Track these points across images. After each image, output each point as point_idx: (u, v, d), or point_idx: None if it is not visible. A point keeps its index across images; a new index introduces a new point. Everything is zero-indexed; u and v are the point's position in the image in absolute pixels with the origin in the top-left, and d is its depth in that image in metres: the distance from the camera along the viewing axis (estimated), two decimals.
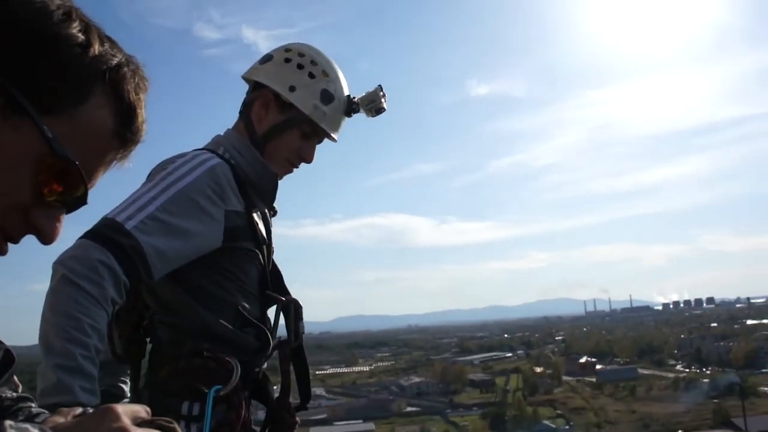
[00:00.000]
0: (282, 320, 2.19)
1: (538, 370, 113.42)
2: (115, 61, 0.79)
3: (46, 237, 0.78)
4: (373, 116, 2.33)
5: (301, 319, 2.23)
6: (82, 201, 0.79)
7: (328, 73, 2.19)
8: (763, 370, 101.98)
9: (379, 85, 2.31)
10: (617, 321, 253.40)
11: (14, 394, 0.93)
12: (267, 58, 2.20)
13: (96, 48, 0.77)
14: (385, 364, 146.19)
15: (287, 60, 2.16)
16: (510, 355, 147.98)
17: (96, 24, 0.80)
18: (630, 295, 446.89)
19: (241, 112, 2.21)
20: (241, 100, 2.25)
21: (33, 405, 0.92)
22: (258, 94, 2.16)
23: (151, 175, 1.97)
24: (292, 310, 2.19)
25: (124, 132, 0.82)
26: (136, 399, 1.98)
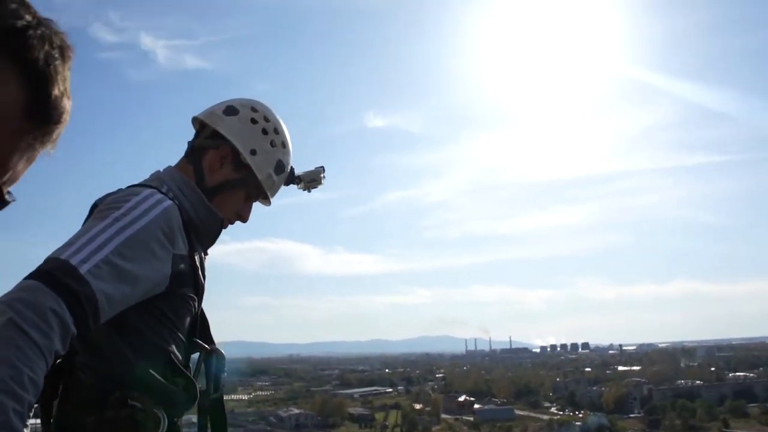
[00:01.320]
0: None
1: (418, 406, 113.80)
2: (19, 23, 0.67)
3: None
4: (307, 191, 2.53)
5: (223, 371, 2.16)
6: None
7: (286, 145, 2.24)
8: (631, 415, 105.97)
9: (322, 167, 2.51)
10: (496, 361, 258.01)
11: None
12: (231, 111, 2.17)
13: None
14: (265, 393, 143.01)
15: (253, 121, 2.16)
16: (390, 390, 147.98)
17: None
18: (510, 336, 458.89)
19: (188, 155, 2.17)
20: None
21: None
22: (215, 143, 2.13)
23: (98, 209, 1.85)
24: (214, 360, 2.13)
25: (37, 109, 0.70)
26: None
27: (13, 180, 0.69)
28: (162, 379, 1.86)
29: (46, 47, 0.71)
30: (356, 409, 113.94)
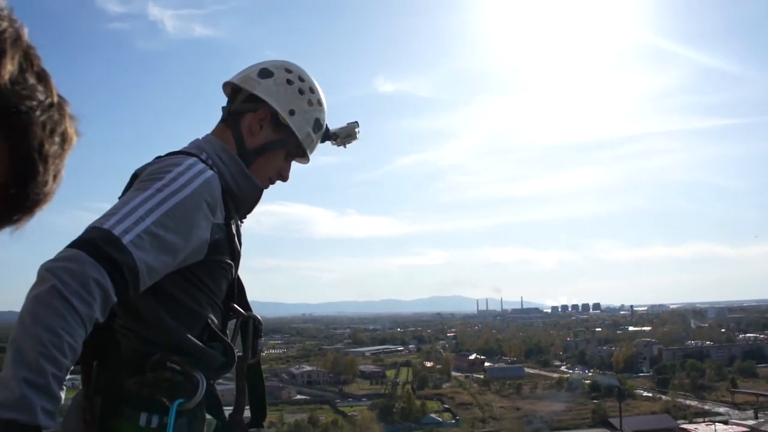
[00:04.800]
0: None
1: (429, 364, 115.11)
2: (27, 104, 0.65)
3: None
4: (343, 147, 2.54)
5: (260, 336, 2.23)
6: None
7: (321, 103, 2.27)
8: (641, 374, 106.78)
9: (356, 122, 2.52)
10: (508, 321, 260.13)
11: None
12: (266, 73, 2.18)
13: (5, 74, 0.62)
14: (277, 351, 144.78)
15: (289, 81, 2.18)
16: (401, 348, 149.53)
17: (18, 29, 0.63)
18: (521, 297, 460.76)
19: (225, 120, 2.19)
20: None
21: None
22: (253, 107, 2.15)
23: (140, 179, 1.88)
24: (251, 325, 2.18)
25: (17, 194, 0.68)
26: (87, 405, 1.88)
27: None
28: (200, 343, 1.91)
29: (46, 133, 0.68)
30: (367, 367, 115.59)
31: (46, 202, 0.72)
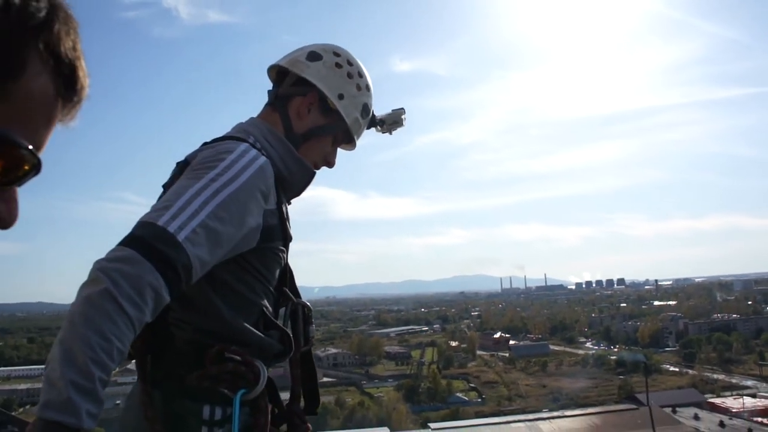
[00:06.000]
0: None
1: (453, 344, 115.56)
2: (42, 14, 0.68)
3: (2, 222, 0.72)
4: (389, 134, 2.47)
5: (311, 323, 2.19)
6: (34, 173, 0.71)
7: (369, 88, 2.21)
8: (667, 349, 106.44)
9: (403, 108, 2.46)
10: (532, 298, 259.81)
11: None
12: (315, 57, 2.13)
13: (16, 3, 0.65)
14: None
15: (338, 65, 2.13)
16: (426, 329, 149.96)
17: None
18: (545, 274, 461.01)
19: (273, 104, 2.14)
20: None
21: None
22: (302, 90, 2.10)
23: (191, 167, 1.82)
24: (301, 312, 2.14)
25: (69, 94, 0.74)
26: (147, 400, 1.84)
27: (41, 152, 0.72)
28: (258, 332, 1.89)
29: (71, 34, 0.72)
30: (392, 348, 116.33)
31: (86, 95, 0.77)
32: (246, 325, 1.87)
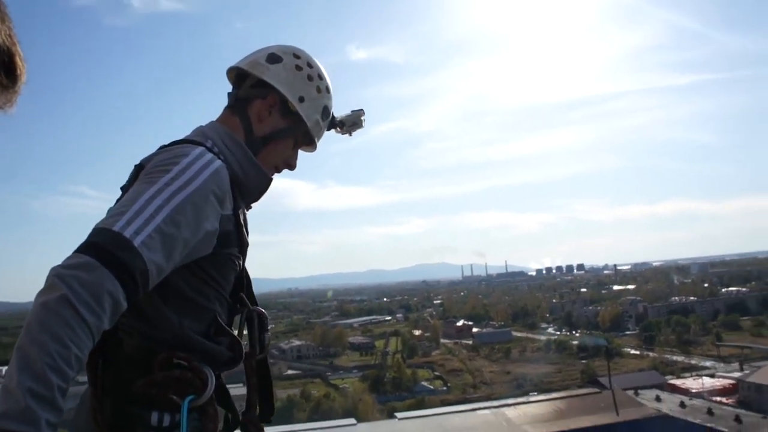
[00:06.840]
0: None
1: (417, 333, 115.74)
2: None
3: None
4: (348, 135, 2.46)
5: (267, 330, 2.16)
6: None
7: (329, 90, 2.21)
8: (627, 333, 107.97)
9: (362, 109, 2.44)
10: (493, 285, 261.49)
11: None
12: (275, 59, 2.11)
13: None
14: None
15: (298, 67, 2.12)
16: (389, 318, 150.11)
17: None
18: (505, 261, 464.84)
19: (232, 107, 2.12)
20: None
21: None
22: (262, 93, 2.08)
23: (145, 171, 1.80)
24: (256, 319, 2.11)
25: (8, 81, 0.72)
26: (97, 405, 1.80)
27: None
28: (205, 339, 1.85)
29: (6, 22, 0.70)
30: (356, 338, 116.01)
31: (24, 80, 0.76)
32: (191, 332, 1.82)
